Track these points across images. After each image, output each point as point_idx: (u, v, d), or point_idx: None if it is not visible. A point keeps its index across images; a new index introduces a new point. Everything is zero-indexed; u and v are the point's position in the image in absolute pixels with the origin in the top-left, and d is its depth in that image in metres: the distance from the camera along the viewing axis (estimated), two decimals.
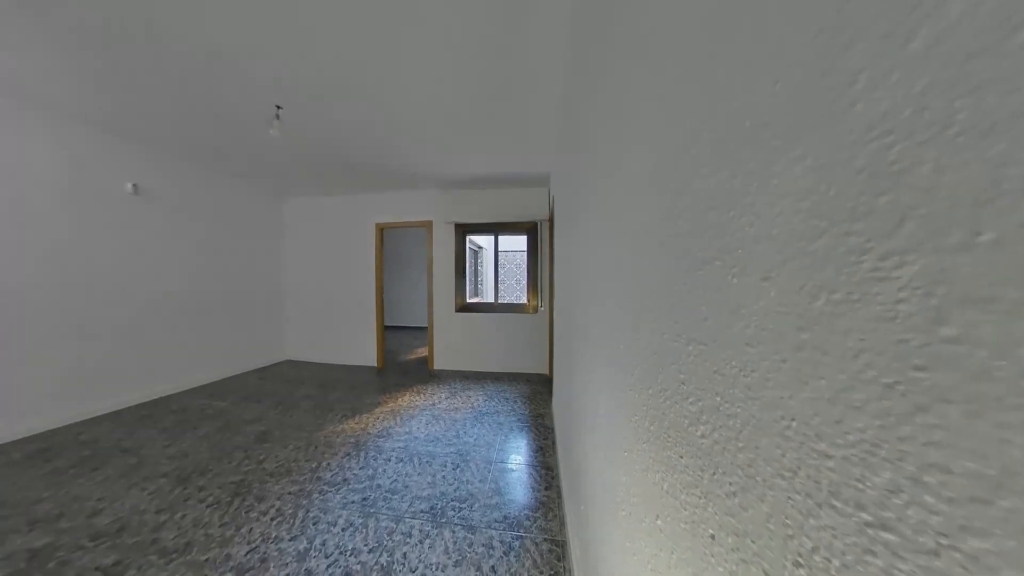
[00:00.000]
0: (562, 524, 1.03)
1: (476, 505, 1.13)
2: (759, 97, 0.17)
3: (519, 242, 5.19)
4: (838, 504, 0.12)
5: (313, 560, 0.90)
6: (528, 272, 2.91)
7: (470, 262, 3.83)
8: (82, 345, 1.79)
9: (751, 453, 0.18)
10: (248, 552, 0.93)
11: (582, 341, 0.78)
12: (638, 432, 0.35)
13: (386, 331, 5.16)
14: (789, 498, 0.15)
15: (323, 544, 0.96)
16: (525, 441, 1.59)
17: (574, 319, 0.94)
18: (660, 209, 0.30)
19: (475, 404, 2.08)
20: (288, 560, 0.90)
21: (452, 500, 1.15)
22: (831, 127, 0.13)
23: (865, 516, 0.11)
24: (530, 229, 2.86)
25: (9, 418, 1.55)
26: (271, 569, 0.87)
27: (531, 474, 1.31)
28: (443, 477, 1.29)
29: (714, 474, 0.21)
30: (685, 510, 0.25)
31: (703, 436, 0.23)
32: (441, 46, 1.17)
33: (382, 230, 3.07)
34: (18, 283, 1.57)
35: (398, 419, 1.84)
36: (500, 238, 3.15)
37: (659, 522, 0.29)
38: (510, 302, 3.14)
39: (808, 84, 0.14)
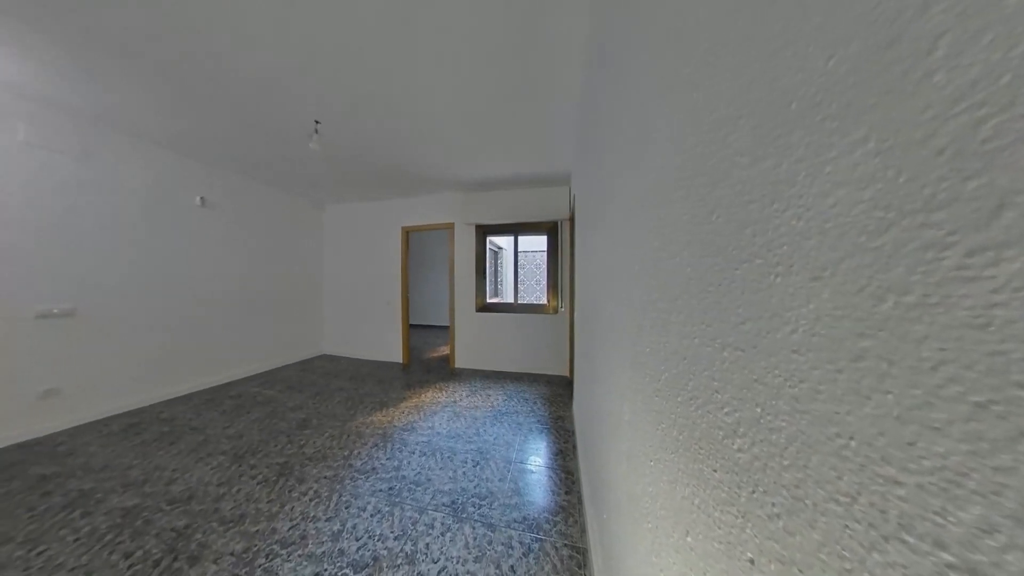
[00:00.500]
0: (583, 531, 1.01)
1: (496, 504, 1.14)
2: (808, 75, 0.15)
3: (539, 242, 5.16)
4: (911, 539, 0.11)
5: (345, 541, 0.97)
6: (548, 272, 2.88)
7: (490, 263, 3.88)
8: (161, 336, 2.09)
9: (798, 472, 0.16)
10: (290, 528, 1.02)
11: (604, 343, 0.75)
12: (665, 441, 0.33)
13: (411, 329, 5.40)
14: (847, 527, 0.13)
15: (354, 527, 1.03)
16: (545, 443, 1.57)
17: (595, 320, 0.91)
18: (690, 204, 0.28)
19: (495, 403, 2.10)
20: (324, 539, 0.98)
21: (472, 496, 1.17)
22: (901, 103, 0.11)
23: (947, 556, 0.10)
24: (550, 229, 2.83)
25: (108, 397, 1.85)
26: (309, 545, 0.95)
27: (551, 477, 1.29)
28: (464, 473, 1.32)
29: (753, 492, 0.19)
30: (719, 528, 0.23)
31: (740, 450, 0.21)
32: (461, 52, 1.20)
33: (408, 233, 3.22)
34: (113, 283, 1.88)
35: (422, 414, 1.92)
36: (520, 238, 3.15)
37: (689, 539, 0.27)
38: (529, 303, 3.13)
39: (870, 56, 0.12)
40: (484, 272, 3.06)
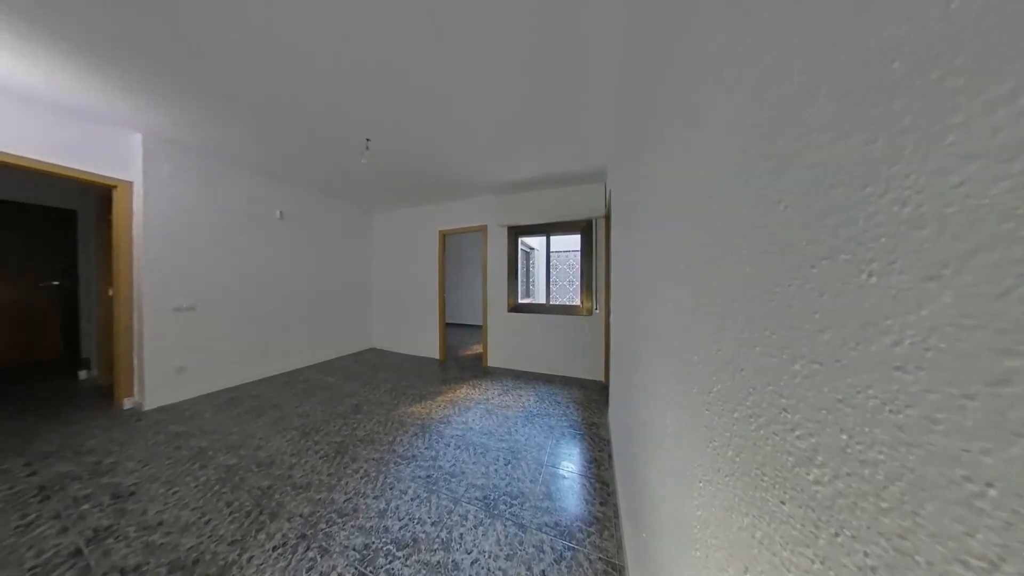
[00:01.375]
0: (619, 547, 0.95)
1: (527, 504, 1.13)
2: (920, 24, 0.12)
3: (571, 242, 5.02)
4: None
5: (389, 519, 1.06)
6: (582, 273, 2.79)
7: (522, 263, 3.90)
8: (253, 328, 2.55)
9: (905, 520, 0.13)
10: (345, 500, 1.16)
11: (643, 348, 0.70)
12: (717, 462, 0.30)
13: (447, 327, 5.70)
14: None
15: (396, 508, 1.12)
16: (578, 449, 1.52)
17: (634, 323, 0.85)
18: (751, 193, 0.25)
19: (526, 404, 2.10)
20: (372, 515, 1.09)
21: (504, 494, 1.19)
22: None
23: None
24: (584, 228, 2.73)
25: (217, 375, 2.32)
26: (359, 519, 1.07)
27: (584, 485, 1.24)
28: (495, 471, 1.34)
29: (837, 535, 0.16)
30: (789, 572, 0.19)
31: (818, 482, 0.18)
32: (494, 58, 1.23)
33: (444, 236, 3.41)
34: (220, 284, 2.34)
35: (456, 409, 2.01)
36: (552, 238, 3.10)
37: None
38: (562, 303, 3.06)
39: None
40: (516, 273, 3.08)
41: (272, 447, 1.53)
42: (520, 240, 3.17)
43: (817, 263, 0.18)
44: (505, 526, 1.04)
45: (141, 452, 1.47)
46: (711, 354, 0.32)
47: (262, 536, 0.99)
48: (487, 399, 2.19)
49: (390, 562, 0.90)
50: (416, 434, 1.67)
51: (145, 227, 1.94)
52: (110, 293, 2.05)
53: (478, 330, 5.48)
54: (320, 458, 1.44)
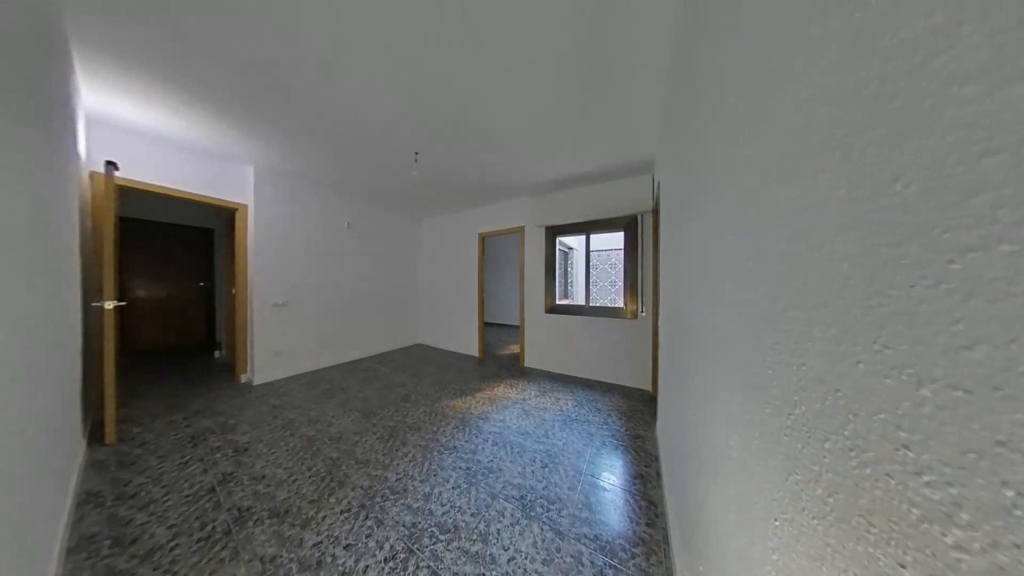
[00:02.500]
0: None
1: (564, 512, 1.10)
2: None
3: (614, 240, 4.73)
4: None
5: (433, 503, 1.14)
6: (625, 272, 2.60)
7: (560, 263, 3.81)
8: (326, 322, 3.00)
9: None
10: (396, 479, 1.28)
11: (701, 357, 0.62)
12: (801, 499, 0.25)
13: (485, 327, 5.89)
14: None
15: (440, 494, 1.19)
16: (620, 462, 1.42)
17: (689, 329, 0.76)
18: (851, 171, 0.20)
19: (564, 407, 2.04)
20: (418, 496, 1.18)
21: (540, 497, 1.18)
22: None
23: None
24: (628, 224, 2.55)
25: (301, 360, 2.79)
26: (408, 498, 1.17)
27: (628, 502, 1.16)
28: (532, 472, 1.33)
29: None
30: None
31: (963, 549, 0.13)
32: (532, 59, 1.23)
33: (483, 238, 3.54)
34: (305, 285, 2.82)
35: (494, 406, 2.06)
36: (592, 237, 2.97)
37: None
38: (603, 305, 2.89)
39: None
40: (553, 273, 3.03)
41: (340, 425, 1.78)
42: (558, 240, 3.11)
43: (960, 256, 0.14)
44: (542, 529, 1.02)
45: (251, 418, 1.85)
46: (791, 369, 0.27)
47: (332, 500, 1.16)
48: (524, 399, 2.19)
49: (434, 543, 0.97)
50: (457, 427, 1.76)
51: (255, 239, 2.45)
52: (233, 292, 2.65)
53: (515, 330, 5.54)
54: (376, 439, 1.62)
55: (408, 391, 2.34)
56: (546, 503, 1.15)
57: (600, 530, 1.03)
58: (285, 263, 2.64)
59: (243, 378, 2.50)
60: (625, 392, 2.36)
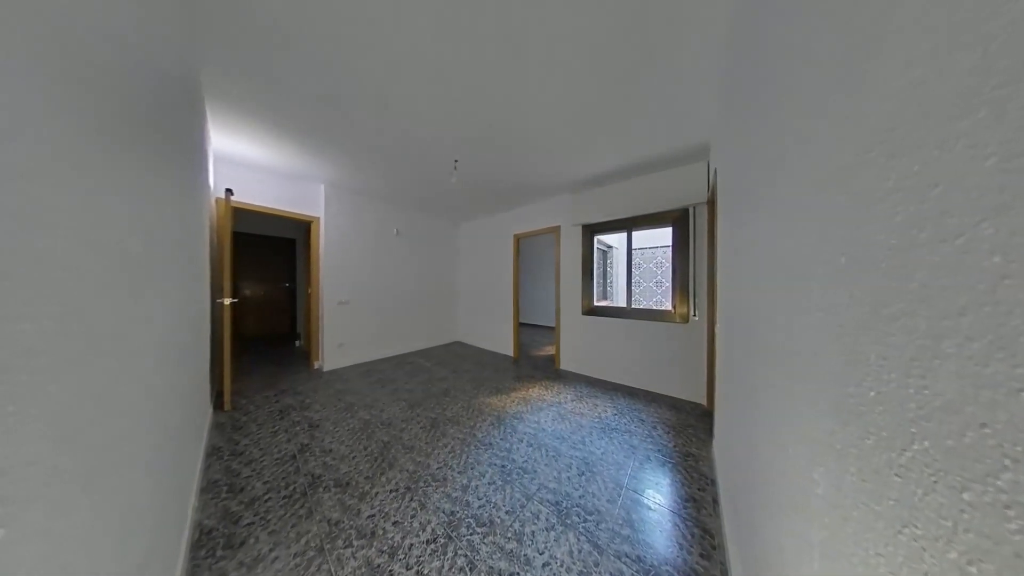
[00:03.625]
0: None
1: (603, 525, 1.04)
2: None
3: (659, 236, 4.33)
4: None
5: (471, 495, 1.19)
6: (674, 272, 2.35)
7: (598, 263, 3.63)
8: (379, 319, 3.36)
9: None
10: (438, 468, 1.37)
11: (773, 371, 0.53)
12: (923, 563, 0.19)
13: (520, 327, 5.93)
14: None
15: (476, 487, 1.24)
16: (668, 481, 1.29)
17: (756, 336, 0.65)
18: (1007, 130, 0.15)
19: (602, 415, 1.93)
20: (457, 487, 1.24)
21: (577, 506, 1.13)
22: None
23: None
24: (677, 219, 2.31)
25: (358, 352, 3.16)
26: (447, 487, 1.24)
27: (677, 526, 1.04)
28: (568, 478, 1.29)
29: None
30: None
31: None
32: (568, 52, 1.19)
33: (518, 239, 3.56)
34: (362, 285, 3.19)
35: (529, 407, 2.06)
36: (634, 234, 2.76)
37: None
38: (647, 307, 2.67)
39: None
40: (591, 273, 2.90)
41: (390, 412, 1.97)
42: (596, 238, 2.97)
43: None
44: (579, 539, 0.99)
45: (322, 399, 2.17)
46: (906, 392, 0.21)
47: (383, 479, 1.29)
48: (559, 403, 2.14)
49: (471, 534, 1.01)
50: (492, 424, 1.81)
51: (324, 246, 2.87)
52: (308, 291, 3.14)
53: (550, 331, 5.45)
54: (420, 428, 1.75)
55: (448, 386, 2.48)
56: (583, 512, 1.10)
57: (644, 551, 0.95)
58: (347, 266, 3.04)
59: (316, 364, 2.93)
60: (673, 404, 2.14)
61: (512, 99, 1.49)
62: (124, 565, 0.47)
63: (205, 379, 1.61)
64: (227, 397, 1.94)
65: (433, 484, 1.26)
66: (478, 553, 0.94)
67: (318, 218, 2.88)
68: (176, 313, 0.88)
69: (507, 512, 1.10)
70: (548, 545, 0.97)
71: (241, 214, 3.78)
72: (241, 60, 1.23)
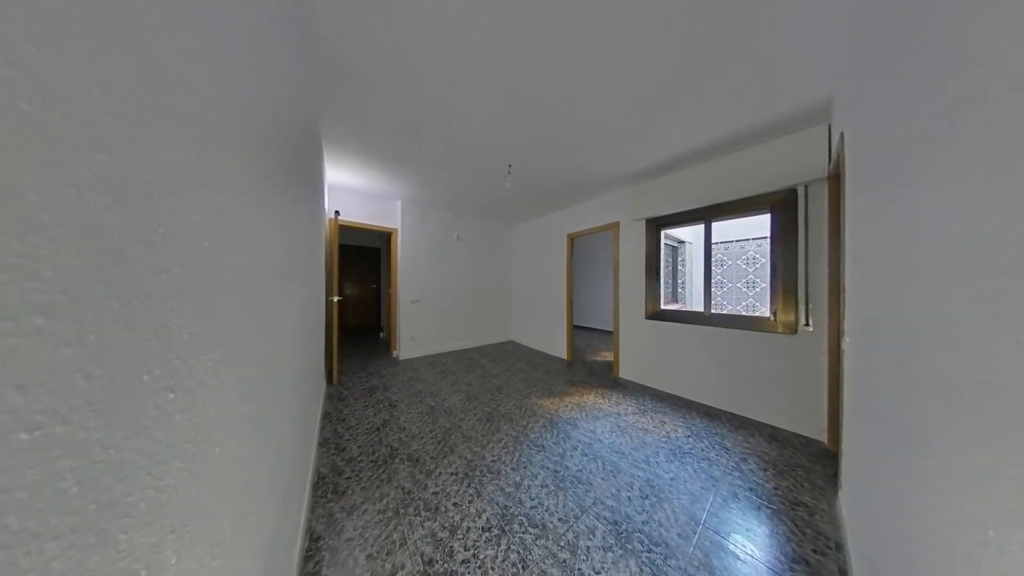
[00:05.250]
0: None
1: (672, 561, 0.91)
2: None
3: (751, 226, 3.53)
4: None
5: (523, 494, 1.20)
6: (774, 269, 1.88)
7: (666, 261, 3.22)
8: (443, 316, 3.74)
9: None
10: (492, 461, 1.43)
11: (956, 408, 0.37)
12: None
13: (574, 330, 5.70)
14: None
15: (528, 487, 1.24)
16: (766, 531, 1.04)
17: (923, 357, 0.47)
18: None
19: (671, 435, 1.69)
20: (510, 482, 1.27)
21: (639, 532, 1.02)
22: None
23: None
24: (778, 203, 1.84)
25: (426, 345, 3.58)
26: (501, 481, 1.28)
27: None
28: (628, 498, 1.18)
29: None
30: None
31: None
32: (626, 36, 1.09)
33: (572, 239, 3.44)
34: (429, 286, 3.61)
35: (583, 414, 1.96)
36: (714, 225, 2.33)
37: None
38: (733, 313, 2.21)
39: None
40: (657, 273, 2.57)
41: (451, 402, 2.16)
42: (663, 233, 2.62)
43: None
44: (641, 570, 0.88)
45: (398, 383, 2.54)
46: None
47: (445, 462, 1.42)
48: (618, 414, 1.97)
49: (523, 532, 1.02)
50: (545, 426, 1.79)
51: (401, 253, 3.36)
52: (389, 291, 3.72)
53: (607, 336, 5.07)
54: (476, 420, 1.87)
55: (502, 383, 2.57)
56: (647, 541, 0.99)
57: None
58: (417, 269, 3.48)
59: (394, 353, 3.45)
60: (774, 435, 1.72)
61: (565, 97, 1.46)
62: (275, 487, 0.65)
63: (321, 358, 2.07)
64: (335, 374, 2.47)
65: (488, 476, 1.32)
66: (530, 553, 0.94)
67: (396, 229, 3.38)
68: (305, 307, 1.17)
69: (560, 519, 1.07)
70: (605, 566, 0.90)
71: (344, 230, 4.76)
72: (342, 106, 1.55)
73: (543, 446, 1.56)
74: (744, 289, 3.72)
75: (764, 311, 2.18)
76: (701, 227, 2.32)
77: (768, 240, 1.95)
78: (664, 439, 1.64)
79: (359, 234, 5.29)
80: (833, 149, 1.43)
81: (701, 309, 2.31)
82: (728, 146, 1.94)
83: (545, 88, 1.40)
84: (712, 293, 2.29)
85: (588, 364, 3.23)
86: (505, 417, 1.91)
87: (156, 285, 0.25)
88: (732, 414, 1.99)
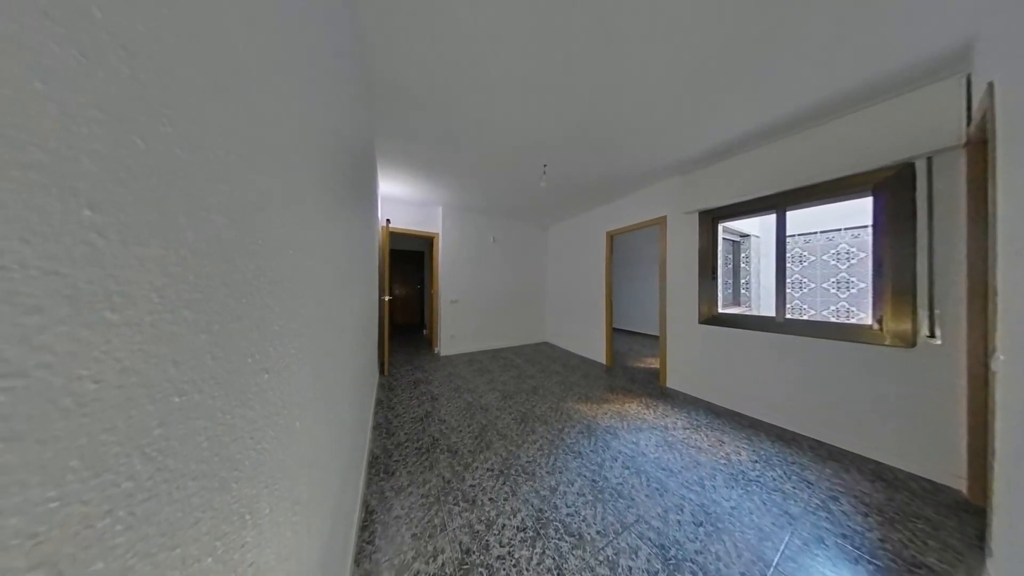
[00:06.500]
0: None
1: None
2: None
3: (842, 214, 2.88)
4: None
5: (559, 499, 1.17)
6: (878, 265, 1.51)
7: (725, 258, 2.84)
8: (479, 316, 3.88)
9: None
10: (527, 461, 1.43)
11: None
12: None
13: (614, 333, 5.37)
14: None
15: (564, 494, 1.21)
16: None
17: None
18: None
19: (732, 457, 1.47)
20: (544, 486, 1.25)
21: (691, 562, 0.91)
22: None
23: None
24: (885, 182, 1.47)
25: (464, 344, 3.75)
26: (536, 483, 1.27)
27: None
28: (678, 522, 1.06)
29: None
30: None
31: None
32: (677, 11, 0.99)
33: (611, 237, 3.25)
34: (467, 287, 3.77)
35: (624, 424, 1.83)
36: (789, 214, 1.96)
37: None
38: (816, 319, 1.83)
39: None
40: (714, 271, 2.28)
41: (487, 399, 2.23)
42: (721, 227, 2.32)
43: None
44: None
45: (439, 378, 2.71)
46: None
47: (481, 457, 1.47)
48: (665, 427, 1.79)
49: (559, 539, 0.99)
50: (581, 432, 1.72)
51: (442, 256, 3.59)
52: (431, 292, 4.00)
53: (651, 340, 4.67)
54: (511, 419, 1.89)
55: (536, 384, 2.55)
56: (701, 573, 0.88)
57: None
58: (456, 271, 3.67)
59: (436, 349, 3.69)
60: (879, 473, 1.38)
61: (603, 88, 1.39)
62: (338, 462, 0.74)
63: (375, 351, 2.32)
64: (386, 365, 2.74)
65: (523, 476, 1.32)
66: (567, 562, 0.91)
67: (438, 234, 3.62)
68: (362, 305, 1.33)
69: (598, 532, 1.02)
70: None
71: (393, 235, 5.27)
72: (393, 124, 1.72)
73: (580, 453, 1.51)
74: (833, 291, 3.06)
75: (864, 318, 1.75)
76: (772, 217, 1.99)
77: (869, 229, 1.57)
78: (722, 461, 1.44)
79: (405, 239, 5.80)
80: (975, 106, 1.09)
81: (772, 314, 1.97)
82: (807, 121, 1.62)
83: (581, 82, 1.35)
84: (787, 295, 1.94)
85: (630, 370, 3.01)
86: (540, 419, 1.89)
87: (256, 286, 0.32)
88: (816, 441, 1.65)
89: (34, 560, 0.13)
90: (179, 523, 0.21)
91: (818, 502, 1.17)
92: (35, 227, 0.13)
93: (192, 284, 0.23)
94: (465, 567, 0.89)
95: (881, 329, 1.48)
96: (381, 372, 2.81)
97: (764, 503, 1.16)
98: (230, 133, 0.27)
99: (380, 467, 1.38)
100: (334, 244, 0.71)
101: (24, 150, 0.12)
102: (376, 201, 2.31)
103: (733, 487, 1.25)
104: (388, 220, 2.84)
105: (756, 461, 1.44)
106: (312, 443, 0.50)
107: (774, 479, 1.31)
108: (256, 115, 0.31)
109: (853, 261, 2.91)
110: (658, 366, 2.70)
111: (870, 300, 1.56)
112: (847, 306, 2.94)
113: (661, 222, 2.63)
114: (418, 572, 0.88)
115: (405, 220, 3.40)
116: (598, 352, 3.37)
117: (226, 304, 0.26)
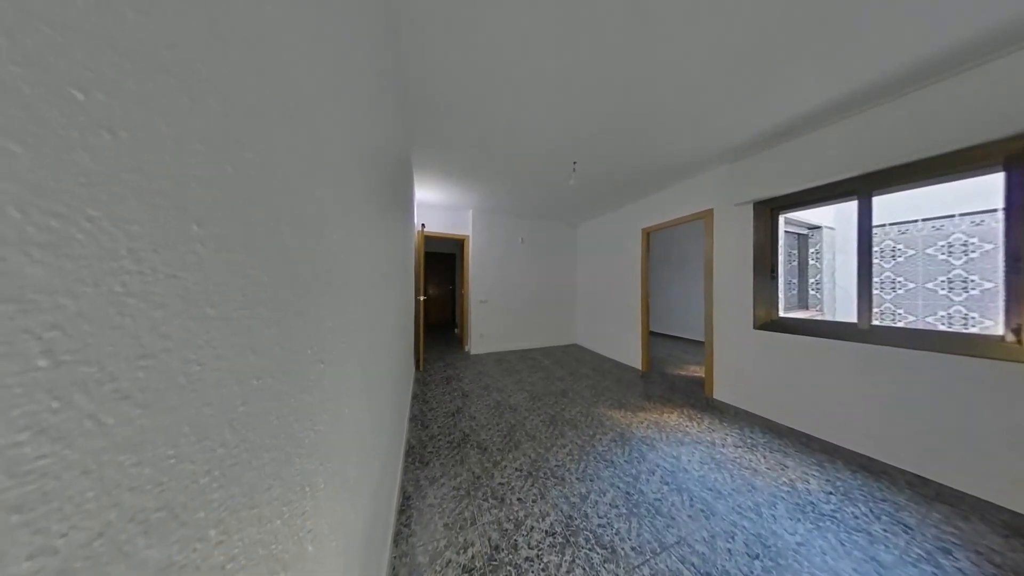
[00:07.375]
0: None
1: None
2: None
3: (953, 197, 2.31)
4: None
5: (589, 508, 1.13)
6: (1014, 260, 1.18)
7: (788, 255, 2.48)
8: (509, 316, 3.92)
9: None
10: (555, 465, 1.40)
11: None
12: None
13: (651, 336, 5.00)
14: None
15: (595, 503, 1.16)
16: None
17: None
18: None
19: (797, 484, 1.27)
20: (575, 493, 1.22)
21: None
22: None
23: None
24: (1020, 154, 1.15)
25: (493, 343, 3.82)
26: (566, 489, 1.24)
27: None
28: (728, 551, 0.95)
29: None
30: None
31: None
32: None
33: (648, 234, 3.04)
34: (496, 287, 3.84)
35: (663, 435, 1.69)
36: (875, 200, 1.63)
37: None
38: (920, 326, 1.49)
39: None
40: (773, 270, 2.00)
41: (515, 399, 2.24)
42: (782, 218, 2.02)
43: None
44: None
45: (469, 376, 2.80)
46: None
47: (510, 456, 1.48)
48: (712, 442, 1.62)
49: (590, 548, 0.96)
50: (614, 441, 1.63)
51: (472, 257, 3.70)
52: (462, 292, 4.15)
53: (695, 346, 4.25)
54: (540, 421, 1.87)
55: (566, 387, 2.50)
56: None
57: None
58: (486, 272, 3.76)
59: (466, 348, 3.81)
60: (1015, 525, 1.09)
61: (639, 79, 1.31)
62: (379, 449, 0.81)
63: (411, 347, 2.48)
64: (421, 361, 2.91)
65: (552, 480, 1.30)
66: (598, 574, 0.87)
67: (468, 236, 3.75)
68: (400, 304, 1.43)
69: (632, 548, 0.96)
70: None
71: (427, 239, 5.58)
72: (428, 133, 1.82)
73: (612, 462, 1.43)
74: (943, 292, 2.48)
75: (991, 326, 1.37)
76: (851, 205, 1.67)
77: (999, 214, 1.23)
78: (786, 488, 1.25)
79: (439, 242, 6.10)
80: None
81: (854, 319, 1.66)
82: (904, 84, 1.33)
83: (616, 73, 1.29)
84: (872, 298, 1.61)
85: (669, 378, 2.78)
86: (570, 423, 1.84)
87: (315, 287, 0.36)
88: (917, 477, 1.35)
89: (160, 503, 0.16)
90: (257, 487, 0.25)
91: (921, 552, 0.95)
92: (161, 240, 0.16)
93: (265, 285, 0.27)
94: (494, 563, 0.90)
95: (1019, 341, 1.15)
96: (417, 367, 3.00)
97: (842, 543, 0.98)
98: (295, 154, 0.31)
99: (416, 456, 1.47)
100: (377, 249, 0.78)
101: (154, 181, 0.16)
102: (413, 208, 2.48)
103: (800, 520, 1.08)
104: (423, 225, 3.02)
105: (831, 493, 1.23)
106: (357, 429, 0.56)
107: (856, 516, 1.10)
108: (315, 137, 0.36)
109: (974, 255, 2.31)
110: (703, 374, 2.44)
111: (1001, 304, 1.22)
112: (964, 311, 2.34)
113: (706, 216, 2.38)
114: (449, 561, 0.91)
115: (438, 223, 3.58)
116: (632, 356, 3.18)
117: (290, 302, 0.31)
